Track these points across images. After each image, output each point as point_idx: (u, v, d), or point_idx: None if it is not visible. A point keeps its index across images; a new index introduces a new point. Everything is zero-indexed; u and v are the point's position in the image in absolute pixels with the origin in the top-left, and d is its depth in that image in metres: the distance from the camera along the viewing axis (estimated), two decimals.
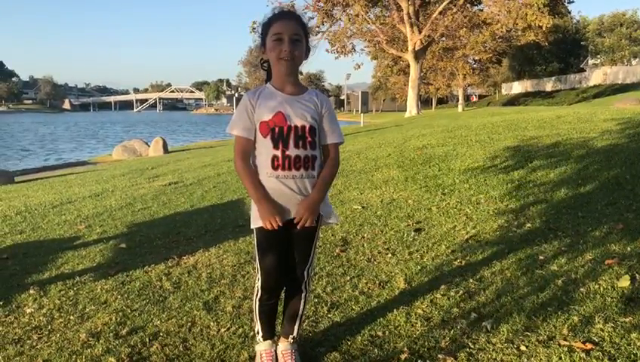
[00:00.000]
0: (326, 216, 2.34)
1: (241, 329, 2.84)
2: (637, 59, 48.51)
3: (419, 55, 31.52)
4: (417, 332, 2.66)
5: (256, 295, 2.40)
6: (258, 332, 2.47)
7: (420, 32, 30.40)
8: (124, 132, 46.84)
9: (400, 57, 35.30)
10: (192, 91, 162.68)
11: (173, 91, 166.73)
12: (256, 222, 2.25)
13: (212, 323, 2.94)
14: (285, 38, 2.17)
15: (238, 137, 2.24)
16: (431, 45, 33.07)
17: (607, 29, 49.15)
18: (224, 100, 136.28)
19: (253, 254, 2.30)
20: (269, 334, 2.48)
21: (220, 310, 3.13)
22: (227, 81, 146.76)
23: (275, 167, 2.20)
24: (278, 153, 2.19)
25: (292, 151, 2.20)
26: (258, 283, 2.37)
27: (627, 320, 2.55)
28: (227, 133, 2.25)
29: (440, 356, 2.41)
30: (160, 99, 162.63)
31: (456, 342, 2.52)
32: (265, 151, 2.21)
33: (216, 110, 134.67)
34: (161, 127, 54.66)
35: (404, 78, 43.11)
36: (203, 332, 2.85)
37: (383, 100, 73.01)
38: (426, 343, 2.54)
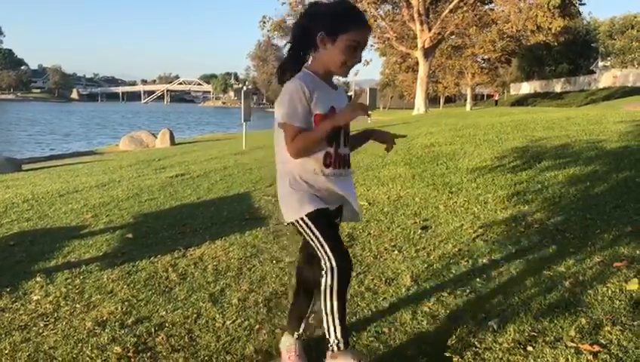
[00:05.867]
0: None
1: (246, 322, 2.83)
2: None
3: (428, 53, 31.42)
4: (423, 330, 2.65)
5: (333, 288, 2.09)
6: (338, 341, 2.13)
7: (429, 30, 30.30)
8: (131, 122, 46.93)
9: (408, 55, 35.22)
10: (199, 84, 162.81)
11: (181, 83, 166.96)
12: (304, 208, 2.12)
13: (218, 315, 2.94)
14: (359, 48, 2.10)
15: (291, 127, 2.05)
16: (440, 43, 32.96)
17: (617, 31, 48.80)
18: (231, 93, 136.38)
19: (314, 243, 2.11)
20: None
21: (225, 302, 3.13)
22: (235, 74, 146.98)
23: (327, 165, 2.13)
24: (332, 151, 2.14)
25: (342, 150, 2.17)
26: (334, 273, 2.08)
27: (635, 323, 2.53)
28: (281, 122, 2.07)
29: (446, 354, 2.40)
30: (168, 91, 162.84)
31: (463, 340, 2.51)
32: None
33: (224, 103, 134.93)
34: (168, 119, 54.74)
35: (412, 76, 42.97)
36: (208, 323, 2.85)
37: (391, 97, 72.94)
38: (432, 341, 2.53)
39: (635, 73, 46.29)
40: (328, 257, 2.09)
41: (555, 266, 3.39)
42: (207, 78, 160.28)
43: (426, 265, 3.63)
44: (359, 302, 3.04)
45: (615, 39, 48.97)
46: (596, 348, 2.33)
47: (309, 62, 2.17)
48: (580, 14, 35.30)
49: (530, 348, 2.39)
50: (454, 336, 2.56)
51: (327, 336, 2.14)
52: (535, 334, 2.51)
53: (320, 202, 2.15)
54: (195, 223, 5.25)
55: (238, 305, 3.07)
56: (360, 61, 2.13)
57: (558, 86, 54.57)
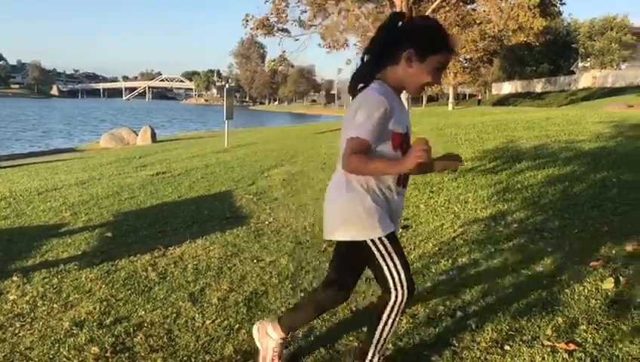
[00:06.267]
0: None
1: (226, 322, 2.82)
2: (626, 64, 48.86)
3: None
4: (403, 329, 2.66)
5: (400, 308, 2.09)
6: (379, 355, 2.18)
7: None
8: (112, 119, 46.45)
9: None
10: (182, 81, 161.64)
11: (163, 80, 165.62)
12: (385, 227, 2.04)
13: (197, 315, 2.92)
14: (442, 70, 2.05)
15: (360, 140, 1.91)
16: None
17: (597, 32, 49.38)
18: (214, 91, 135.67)
19: (386, 264, 2.03)
20: None
21: (205, 302, 3.12)
22: (218, 71, 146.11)
23: (398, 183, 2.08)
24: None
25: None
26: (404, 295, 2.06)
27: (610, 322, 2.57)
28: (354, 136, 1.91)
29: (425, 353, 2.42)
30: (149, 87, 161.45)
31: (442, 339, 2.54)
32: None
33: (206, 100, 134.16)
34: (149, 116, 54.28)
35: None
36: (188, 323, 2.83)
37: None
38: (411, 340, 2.55)
39: (613, 74, 46.94)
40: (400, 279, 2.05)
41: (534, 266, 3.43)
42: (190, 75, 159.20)
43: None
44: None
45: (595, 40, 49.49)
46: (572, 346, 2.37)
47: (382, 74, 2.07)
48: (561, 14, 35.69)
49: (507, 347, 2.41)
50: (433, 335, 2.59)
51: (371, 349, 2.16)
52: (512, 333, 2.54)
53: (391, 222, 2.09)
54: (176, 222, 5.22)
55: (217, 305, 3.06)
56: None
57: (538, 86, 55.12)
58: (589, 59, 51.49)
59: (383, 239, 2.03)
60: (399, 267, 2.05)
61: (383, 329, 2.11)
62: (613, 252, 3.55)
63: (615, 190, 5.21)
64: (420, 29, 2.05)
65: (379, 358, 2.17)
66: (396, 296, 2.05)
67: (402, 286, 2.05)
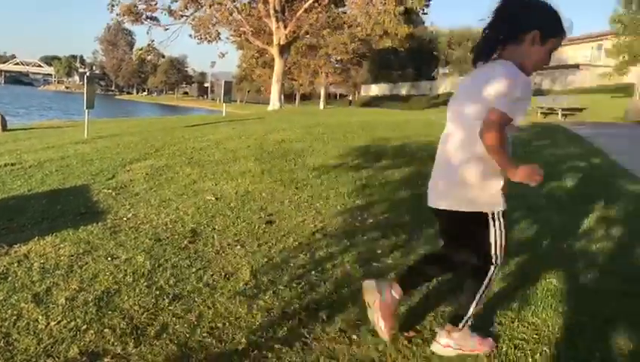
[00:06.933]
0: None
1: (73, 323, 2.68)
2: None
3: (283, 50, 31.83)
4: (257, 324, 2.71)
5: (494, 279, 2.38)
6: (470, 319, 2.41)
7: (285, 28, 30.71)
8: None
9: (265, 50, 35.39)
10: (40, 65, 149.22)
11: (17, 64, 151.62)
12: (503, 203, 2.25)
13: (41, 317, 2.74)
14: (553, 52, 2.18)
15: (507, 117, 2.06)
16: (296, 41, 33.56)
17: (456, 41, 53.33)
18: (77, 78, 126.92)
19: (494, 237, 2.26)
20: None
21: (51, 302, 2.93)
22: (81, 57, 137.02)
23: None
24: None
25: None
26: (498, 268, 2.35)
27: (448, 309, 2.82)
28: (504, 112, 2.04)
29: (276, 346, 2.48)
30: (2, 71, 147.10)
31: (294, 332, 2.62)
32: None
33: (67, 88, 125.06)
34: (1, 102, 49.50)
35: (269, 71, 43.24)
36: (30, 326, 2.65)
37: (248, 91, 72.83)
38: (265, 334, 2.60)
39: None
40: (499, 254, 2.29)
41: (384, 258, 3.66)
42: (49, 60, 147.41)
43: (266, 260, 3.70)
44: (196, 298, 3.02)
45: (454, 49, 53.45)
46: (412, 333, 2.57)
47: (501, 51, 2.17)
48: (423, 23, 38.09)
49: (354, 336, 2.56)
50: (286, 328, 2.66)
51: (465, 313, 2.39)
52: (359, 322, 2.69)
53: None
54: (24, 218, 4.83)
55: (64, 305, 2.89)
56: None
57: (404, 89, 58.41)
58: (448, 66, 55.45)
59: (500, 214, 2.26)
60: (504, 241, 2.29)
61: (481, 292, 2.35)
62: None
63: None
64: (547, 11, 2.14)
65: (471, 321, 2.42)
66: (495, 265, 2.32)
67: (498, 258, 2.31)
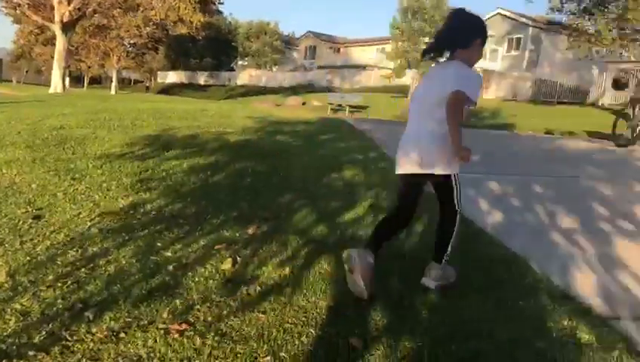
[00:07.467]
0: None
1: None
2: (277, 67, 54.94)
3: (67, 28, 29.00)
4: (10, 330, 2.42)
5: (457, 224, 3.18)
6: (448, 255, 3.19)
7: (69, 4, 28.06)
8: None
9: (47, 26, 31.99)
10: None
11: None
12: (458, 166, 3.10)
13: None
14: None
15: (468, 101, 2.91)
16: (82, 20, 30.89)
17: (253, 34, 54.19)
18: None
19: (455, 194, 3.15)
20: None
21: None
22: None
23: None
24: None
25: None
26: (459, 216, 3.19)
27: (222, 299, 2.83)
28: (475, 100, 2.90)
29: (30, 353, 2.24)
30: None
31: (53, 335, 2.40)
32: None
33: None
34: None
35: (51, 50, 39.23)
36: None
37: (27, 71, 65.35)
38: (17, 341, 2.33)
39: (266, 75, 52.31)
40: (459, 205, 3.17)
41: (163, 251, 3.54)
42: None
43: (28, 258, 3.33)
44: None
45: (252, 42, 54.24)
46: (184, 326, 2.52)
47: (456, 54, 3.08)
48: (221, 13, 37.89)
49: (122, 335, 2.42)
50: (45, 332, 2.43)
51: (443, 253, 3.19)
52: (130, 320, 2.56)
53: None
54: None
55: None
56: None
57: (202, 78, 57.65)
58: (247, 58, 56.16)
59: (457, 175, 3.13)
60: (460, 196, 3.17)
61: (451, 235, 3.19)
62: (237, 235, 3.92)
63: (249, 179, 5.77)
64: (482, 25, 3.12)
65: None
66: (458, 214, 3.18)
67: (459, 209, 3.18)
